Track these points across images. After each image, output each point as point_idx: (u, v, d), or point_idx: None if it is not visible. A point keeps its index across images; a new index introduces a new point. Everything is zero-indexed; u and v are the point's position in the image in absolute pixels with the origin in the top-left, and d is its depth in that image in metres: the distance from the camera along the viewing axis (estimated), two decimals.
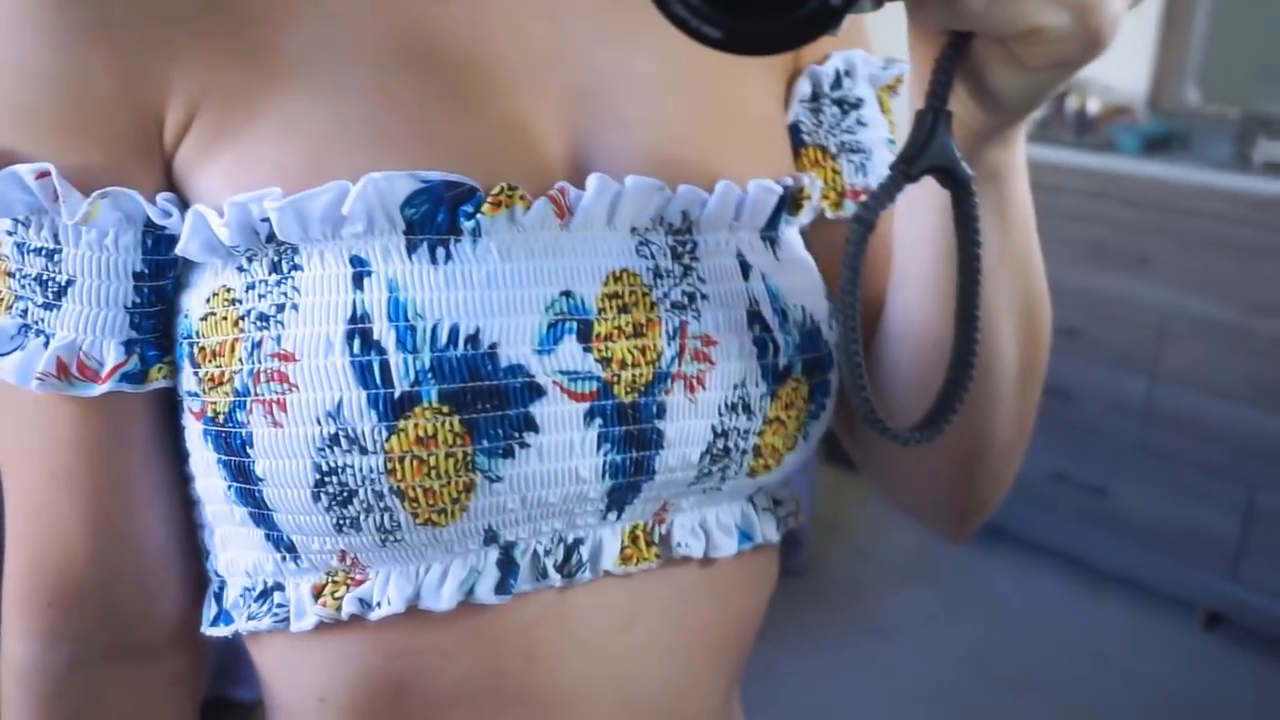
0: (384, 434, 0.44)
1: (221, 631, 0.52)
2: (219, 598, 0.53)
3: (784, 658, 2.41)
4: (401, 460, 0.44)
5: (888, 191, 0.44)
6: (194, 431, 0.49)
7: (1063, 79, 0.42)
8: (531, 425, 0.46)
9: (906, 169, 0.44)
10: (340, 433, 0.44)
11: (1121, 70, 2.86)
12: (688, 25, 0.39)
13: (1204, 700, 2.38)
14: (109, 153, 0.45)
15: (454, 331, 0.45)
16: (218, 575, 0.53)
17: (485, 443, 0.45)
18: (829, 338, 0.55)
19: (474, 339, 0.45)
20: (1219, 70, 2.81)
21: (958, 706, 2.34)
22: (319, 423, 0.44)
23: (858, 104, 0.61)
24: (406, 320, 0.44)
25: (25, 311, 0.46)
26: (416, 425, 0.44)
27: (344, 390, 0.44)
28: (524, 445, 0.46)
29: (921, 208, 0.50)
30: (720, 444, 0.51)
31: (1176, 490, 2.57)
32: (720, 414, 0.50)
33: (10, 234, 0.46)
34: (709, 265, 0.51)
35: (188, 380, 0.48)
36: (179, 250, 0.47)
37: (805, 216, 0.58)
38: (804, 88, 0.60)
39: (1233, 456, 2.46)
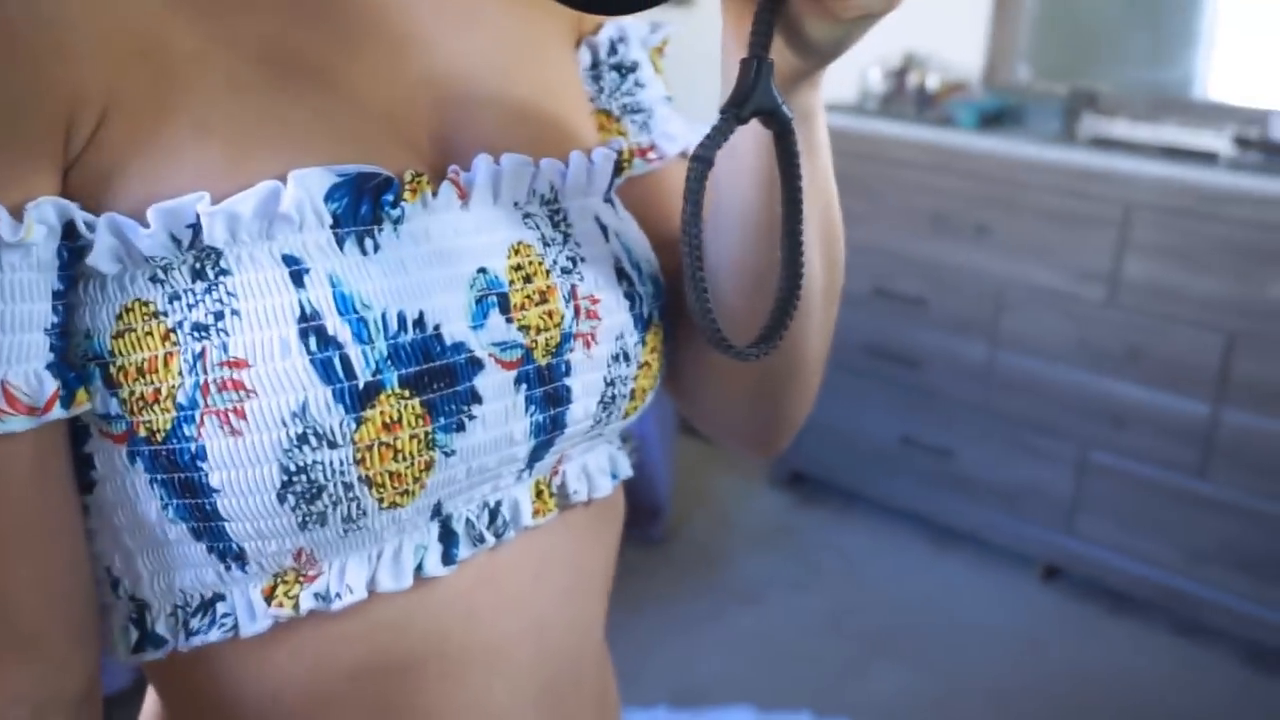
0: (352, 426, 0.45)
1: (152, 656, 0.51)
2: (138, 622, 0.51)
3: (646, 624, 2.46)
4: (370, 449, 0.45)
5: (722, 133, 0.48)
6: (113, 456, 0.47)
7: (868, 27, 0.47)
8: (476, 398, 0.49)
9: (738, 112, 0.48)
10: (309, 431, 0.44)
11: (958, 48, 2.97)
12: None
13: (1043, 647, 2.52)
14: (21, 166, 0.42)
15: (401, 318, 0.46)
16: (132, 600, 0.51)
17: (442, 420, 0.48)
18: (664, 284, 0.61)
19: (420, 322, 0.47)
20: (1048, 48, 2.95)
21: (818, 665, 2.42)
22: (284, 424, 0.44)
23: (634, 67, 0.65)
24: (356, 312, 0.45)
25: None
26: (382, 413, 0.45)
27: (307, 389, 0.44)
28: (472, 417, 0.49)
29: (740, 149, 0.54)
30: (610, 392, 0.56)
31: (1016, 449, 2.70)
32: (609, 365, 0.55)
33: None
34: (580, 230, 0.56)
35: (105, 403, 0.46)
36: (91, 261, 0.44)
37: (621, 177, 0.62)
38: (584, 58, 0.64)
39: (1066, 416, 2.59)
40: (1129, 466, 2.52)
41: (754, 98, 0.48)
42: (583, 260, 0.55)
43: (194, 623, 0.50)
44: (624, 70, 0.64)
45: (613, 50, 0.64)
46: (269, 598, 0.49)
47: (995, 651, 2.49)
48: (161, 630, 0.50)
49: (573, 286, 0.54)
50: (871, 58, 3.03)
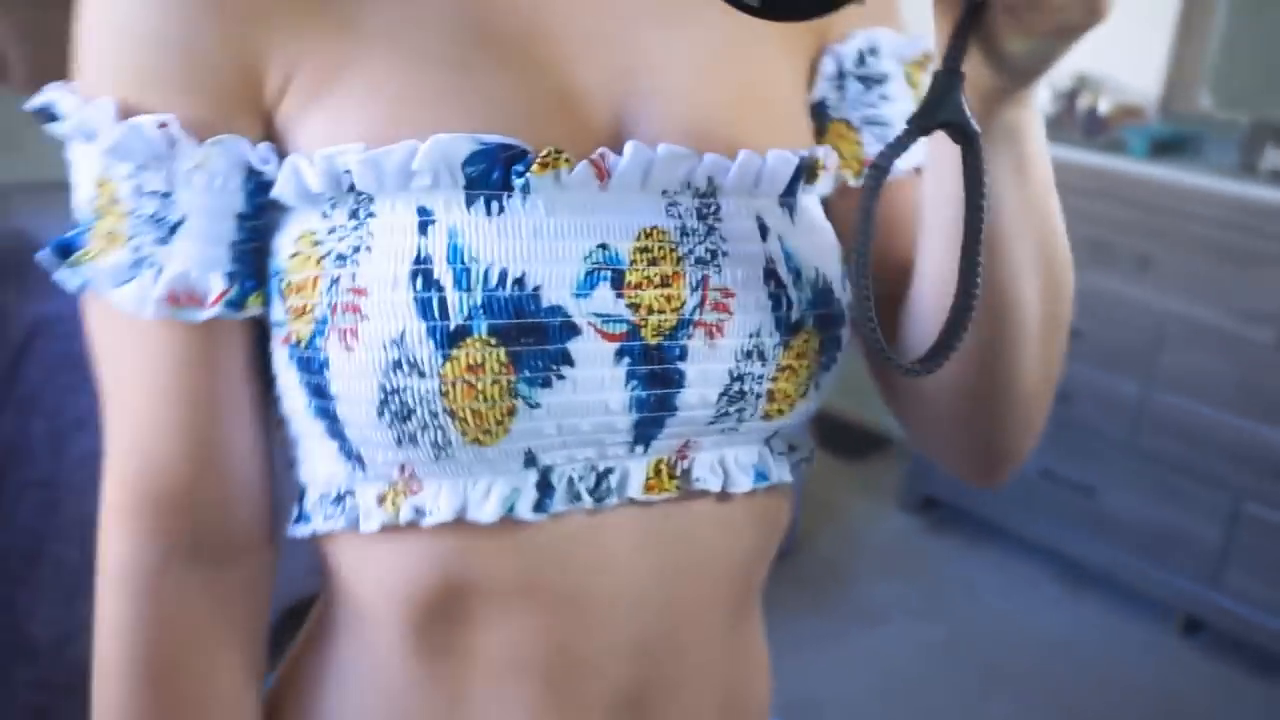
0: (439, 361, 0.51)
1: (302, 531, 0.60)
2: (301, 502, 0.61)
3: (768, 635, 2.44)
4: (454, 384, 0.51)
5: (902, 143, 0.50)
6: (280, 356, 0.56)
7: (1066, 45, 0.47)
8: (567, 360, 0.52)
9: (921, 123, 0.49)
10: (403, 358, 0.51)
11: (1135, 71, 2.86)
12: None
13: (1175, 704, 2.40)
14: (219, 108, 0.52)
15: (503, 275, 0.51)
16: (300, 483, 0.61)
17: (527, 373, 0.52)
18: (841, 298, 0.61)
19: (520, 281, 0.51)
20: (1232, 75, 2.81)
21: (933, 695, 2.37)
22: (385, 349, 0.51)
23: (881, 80, 0.65)
24: (463, 263, 0.51)
25: (139, 248, 0.53)
26: (468, 354, 0.51)
27: (407, 321, 0.51)
28: (560, 377, 0.52)
29: (943, 170, 0.54)
30: (736, 387, 0.57)
31: (1163, 493, 2.58)
32: (737, 359, 0.56)
33: (130, 178, 0.52)
34: (730, 226, 0.57)
35: (276, 311, 0.55)
36: (274, 194, 0.54)
37: (824, 186, 0.63)
38: (828, 66, 0.65)
39: (1220, 463, 2.47)
40: None
41: (939, 110, 0.49)
42: (725, 255, 0.56)
43: (329, 510, 0.58)
44: (869, 82, 0.65)
45: (860, 61, 0.64)
46: (381, 502, 0.56)
47: (1123, 701, 2.39)
48: (308, 511, 0.60)
49: (704, 277, 0.55)
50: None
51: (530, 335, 0.51)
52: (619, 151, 0.54)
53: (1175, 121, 2.77)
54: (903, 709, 2.30)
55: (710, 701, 0.66)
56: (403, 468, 0.54)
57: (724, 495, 0.60)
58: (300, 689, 0.64)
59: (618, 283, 0.53)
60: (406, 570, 0.57)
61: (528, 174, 0.52)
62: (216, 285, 0.54)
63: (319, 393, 0.54)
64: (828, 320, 0.60)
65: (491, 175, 0.52)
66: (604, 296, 0.53)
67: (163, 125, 0.51)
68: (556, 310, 0.52)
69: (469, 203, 0.52)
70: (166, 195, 0.52)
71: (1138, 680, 2.47)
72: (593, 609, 0.58)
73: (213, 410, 0.56)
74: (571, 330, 0.52)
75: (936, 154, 0.55)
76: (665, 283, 0.54)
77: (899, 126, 0.63)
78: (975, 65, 0.49)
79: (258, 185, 0.54)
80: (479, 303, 0.51)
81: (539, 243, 0.52)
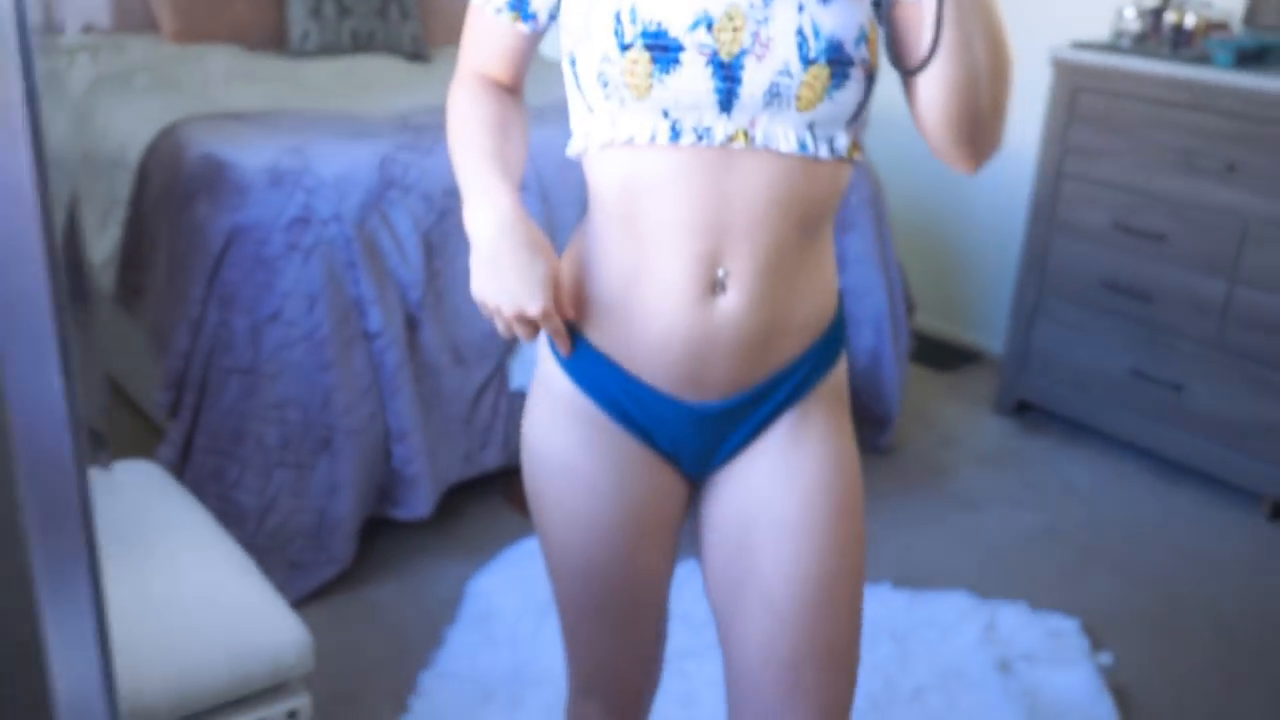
0: (620, 56, 1.02)
1: (569, 151, 1.12)
2: (572, 137, 1.13)
3: (870, 522, 2.63)
4: (626, 66, 1.02)
5: None
6: (565, 61, 1.09)
7: None
8: (679, 62, 1.02)
9: None
10: (605, 54, 1.03)
11: None
12: None
13: (1267, 578, 2.57)
14: None
15: (653, 19, 1.01)
16: (571, 128, 1.13)
17: (659, 66, 1.02)
18: (850, 51, 1.04)
19: (660, 23, 1.01)
20: None
21: (1034, 568, 2.55)
22: (598, 50, 1.03)
23: None
24: (634, 13, 1.01)
25: None
26: (632, 54, 1.01)
27: (607, 39, 1.02)
28: (676, 69, 1.02)
29: None
30: (775, 89, 1.03)
31: (1250, 386, 2.73)
32: (775, 74, 1.02)
33: None
34: (779, 7, 1.02)
35: (564, 37, 1.09)
36: None
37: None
38: None
39: None
40: None
41: None
42: (772, 20, 1.02)
43: (581, 139, 1.10)
44: None
45: None
46: (601, 134, 1.07)
47: (1217, 577, 2.56)
48: (575, 141, 1.12)
49: (758, 30, 1.02)
50: None
51: (662, 49, 1.01)
52: None
53: (1260, 33, 2.88)
54: (1004, 580, 2.49)
55: (779, 284, 1.10)
56: (610, 114, 1.05)
57: (781, 155, 1.05)
58: (575, 244, 1.18)
59: (709, 28, 1.01)
60: (610, 171, 1.08)
61: None
62: (498, 3, 1.13)
63: (575, 76, 1.07)
64: (835, 61, 1.03)
65: None
66: (700, 34, 1.01)
67: None
68: (675, 39, 1.01)
69: None
70: None
71: (1229, 558, 2.63)
72: (707, 199, 1.05)
73: (500, 57, 1.17)
74: (681, 48, 1.01)
75: None
76: (736, 29, 1.01)
77: None
78: None
79: None
80: (639, 32, 1.01)
81: (672, 6, 1.00)
